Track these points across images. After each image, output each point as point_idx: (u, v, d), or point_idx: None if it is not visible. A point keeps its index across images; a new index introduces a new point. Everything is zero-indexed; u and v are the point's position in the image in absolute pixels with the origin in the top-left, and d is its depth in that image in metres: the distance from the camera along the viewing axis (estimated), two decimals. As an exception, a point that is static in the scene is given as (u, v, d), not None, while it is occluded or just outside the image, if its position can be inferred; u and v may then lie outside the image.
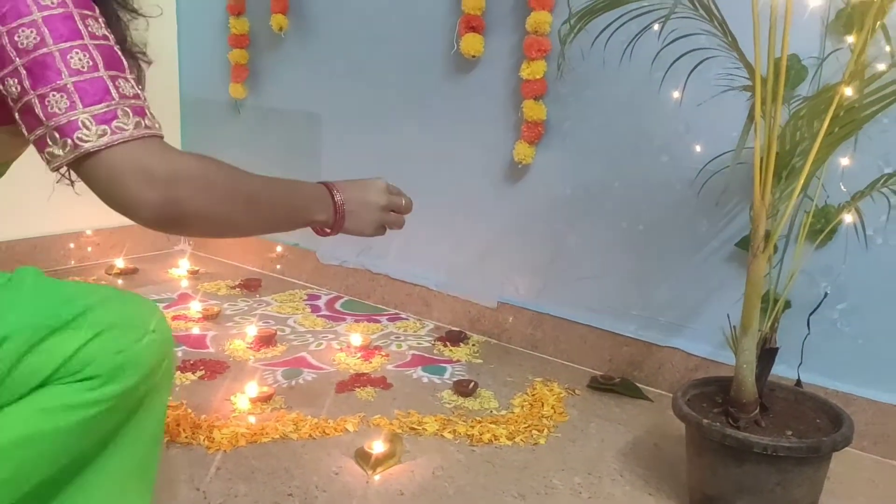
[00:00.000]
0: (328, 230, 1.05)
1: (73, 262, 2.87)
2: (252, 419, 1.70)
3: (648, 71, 1.63)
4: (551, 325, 2.19)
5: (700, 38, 1.43)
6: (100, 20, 0.81)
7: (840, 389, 1.71)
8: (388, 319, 2.47)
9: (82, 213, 2.70)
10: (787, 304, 1.72)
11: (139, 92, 0.81)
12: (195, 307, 2.40)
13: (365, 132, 2.56)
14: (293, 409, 1.77)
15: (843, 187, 1.61)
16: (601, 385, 1.97)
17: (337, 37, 2.57)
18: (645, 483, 1.52)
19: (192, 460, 1.51)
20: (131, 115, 0.78)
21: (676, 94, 1.67)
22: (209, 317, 2.36)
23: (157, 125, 0.81)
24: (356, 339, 2.20)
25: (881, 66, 1.41)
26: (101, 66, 0.78)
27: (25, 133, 0.79)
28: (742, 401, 1.37)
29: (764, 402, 1.41)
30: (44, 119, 0.76)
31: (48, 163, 0.78)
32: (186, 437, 1.58)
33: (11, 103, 0.78)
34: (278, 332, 2.26)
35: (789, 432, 1.35)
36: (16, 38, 0.75)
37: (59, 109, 0.76)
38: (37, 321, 0.80)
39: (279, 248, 2.88)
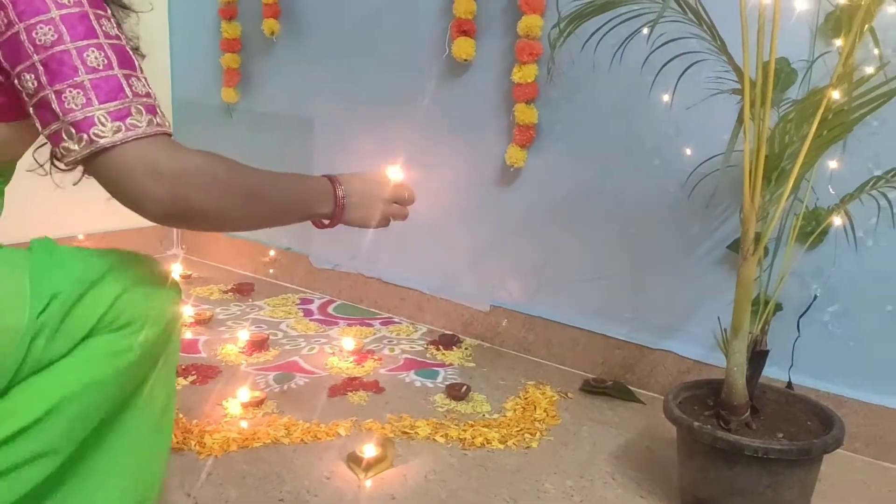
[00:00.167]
0: (326, 222, 1.06)
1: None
2: (244, 424, 1.69)
3: (639, 74, 1.64)
4: (544, 329, 2.19)
5: (690, 41, 1.44)
6: (112, 20, 0.84)
7: (831, 391, 1.71)
8: (381, 323, 2.46)
9: (75, 217, 2.70)
10: (779, 307, 1.72)
11: (150, 90, 0.84)
12: (187, 312, 2.39)
13: (357, 136, 2.56)
14: (285, 413, 1.76)
15: (831, 190, 1.61)
16: (593, 388, 1.97)
17: (329, 41, 2.57)
18: (637, 486, 1.52)
19: (183, 466, 1.50)
20: (144, 112, 0.81)
21: (667, 98, 1.68)
22: (201, 321, 2.35)
23: (167, 123, 0.84)
24: (349, 343, 2.20)
25: (869, 70, 1.41)
26: (115, 64, 0.80)
27: (39, 127, 0.80)
28: (733, 403, 1.37)
29: (755, 404, 1.41)
30: (60, 114, 0.78)
31: (62, 157, 0.80)
32: (177, 443, 1.58)
33: (26, 97, 0.80)
34: (271, 337, 2.25)
35: (780, 434, 1.35)
36: (34, 35, 0.77)
37: (76, 105, 0.78)
38: (78, 277, 0.86)
39: (272, 253, 2.88)
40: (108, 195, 0.83)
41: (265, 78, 2.80)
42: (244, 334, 2.22)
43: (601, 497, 1.48)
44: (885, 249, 1.62)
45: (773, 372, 1.69)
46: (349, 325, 2.43)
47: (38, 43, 0.77)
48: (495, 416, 1.81)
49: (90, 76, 0.78)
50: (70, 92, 0.78)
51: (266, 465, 1.53)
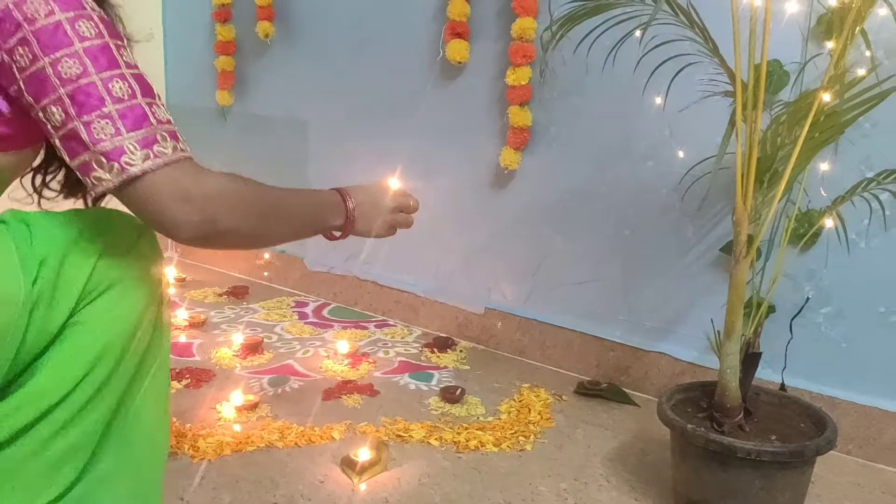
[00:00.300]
0: (338, 234, 1.10)
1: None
2: (237, 428, 1.69)
3: (632, 77, 1.63)
4: (538, 331, 2.19)
5: (683, 43, 1.44)
6: (128, 48, 0.86)
7: (825, 393, 1.72)
8: (376, 326, 2.46)
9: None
10: (772, 309, 1.73)
11: (170, 117, 0.86)
12: (182, 315, 2.39)
13: (351, 138, 2.56)
14: (279, 417, 1.76)
15: (823, 192, 1.62)
16: (588, 390, 1.97)
17: (323, 43, 2.57)
18: (631, 488, 1.52)
19: (176, 470, 1.49)
20: (168, 139, 0.83)
21: (659, 100, 1.68)
22: (196, 325, 2.35)
23: (187, 147, 0.86)
24: (343, 346, 2.19)
25: (861, 72, 1.42)
26: (138, 93, 0.83)
27: (67, 158, 0.82)
28: (726, 406, 1.37)
29: (748, 406, 1.41)
30: (90, 145, 0.80)
31: (93, 187, 0.82)
32: (171, 447, 1.57)
33: (52, 130, 0.81)
34: (265, 340, 2.25)
35: (773, 437, 1.35)
36: (59, 68, 0.79)
37: (105, 135, 0.80)
38: (58, 239, 0.85)
39: (266, 255, 2.87)
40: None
41: (260, 80, 2.80)
42: (238, 337, 2.22)
43: (595, 500, 1.48)
44: (877, 251, 1.63)
45: (767, 374, 1.70)
46: (344, 327, 2.43)
47: (63, 76, 0.79)
48: (490, 418, 1.81)
49: (116, 106, 0.81)
50: (98, 122, 0.80)
51: (260, 468, 1.53)
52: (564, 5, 1.42)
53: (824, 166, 1.61)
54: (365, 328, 2.43)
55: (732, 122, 1.37)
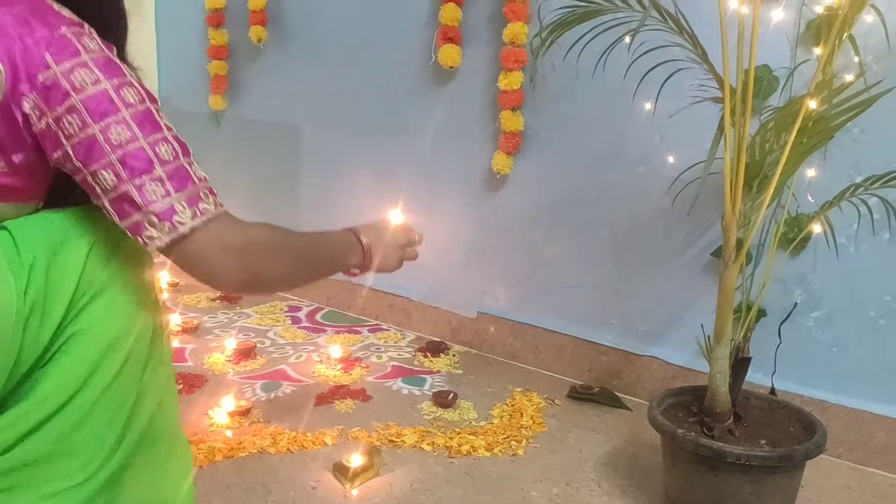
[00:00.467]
0: (356, 271, 1.17)
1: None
2: (229, 433, 1.69)
3: (623, 82, 1.64)
4: (531, 335, 2.19)
5: (673, 49, 1.45)
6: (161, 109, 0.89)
7: (815, 396, 1.72)
8: (369, 330, 2.46)
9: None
10: (763, 313, 1.73)
11: (205, 174, 0.90)
12: (174, 320, 2.38)
13: (344, 143, 2.56)
14: (271, 422, 1.76)
15: (810, 198, 1.63)
16: (580, 394, 1.98)
17: (316, 48, 2.58)
18: (622, 493, 1.53)
19: (167, 476, 1.49)
20: (209, 196, 0.88)
21: (649, 106, 1.68)
22: (188, 330, 2.35)
23: (222, 201, 0.91)
24: (336, 350, 2.19)
25: (850, 77, 1.42)
26: (180, 154, 0.87)
27: (117, 219, 0.85)
28: (716, 410, 1.37)
29: (738, 411, 1.41)
30: (142, 206, 0.83)
31: (146, 246, 0.86)
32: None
33: (101, 192, 0.84)
34: (258, 345, 2.25)
35: (763, 441, 1.36)
36: (109, 135, 0.82)
37: (157, 197, 0.84)
38: (44, 241, 0.85)
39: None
40: None
41: (253, 85, 2.80)
42: (231, 342, 2.22)
43: (586, 504, 1.48)
44: (867, 255, 1.63)
45: (758, 378, 1.70)
46: (337, 332, 2.43)
47: (114, 142, 0.82)
48: (482, 423, 1.81)
49: (164, 168, 0.84)
50: (149, 185, 0.83)
51: (251, 475, 1.53)
52: (554, 11, 1.43)
53: (812, 172, 1.62)
54: (358, 333, 2.43)
55: (721, 128, 1.37)
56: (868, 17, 1.44)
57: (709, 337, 1.40)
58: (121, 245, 0.91)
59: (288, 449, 1.63)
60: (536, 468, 1.61)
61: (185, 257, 0.87)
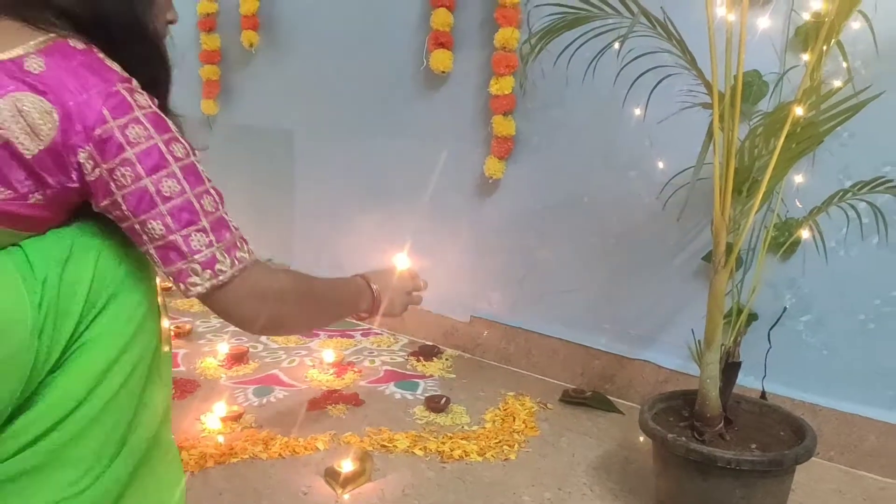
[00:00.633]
0: (365, 315, 1.26)
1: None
2: (221, 439, 1.68)
3: (613, 88, 1.64)
4: (524, 339, 2.19)
5: (663, 55, 1.45)
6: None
7: (806, 400, 1.73)
8: (362, 335, 2.46)
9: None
10: (755, 317, 1.74)
11: (236, 223, 0.96)
12: (165, 325, 2.37)
13: (337, 148, 2.57)
14: (264, 427, 1.76)
15: (798, 203, 1.63)
16: (573, 399, 1.98)
17: (307, 53, 2.58)
18: (614, 497, 1.53)
19: (159, 483, 1.49)
20: (244, 245, 0.95)
21: (638, 112, 1.69)
22: (181, 334, 2.34)
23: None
24: (329, 355, 2.19)
25: (838, 83, 1.43)
26: (220, 205, 0.93)
27: (161, 265, 0.91)
28: (707, 415, 1.38)
29: (729, 415, 1.42)
30: (188, 255, 0.89)
31: (186, 291, 0.91)
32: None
33: (148, 240, 0.89)
34: (250, 350, 2.25)
35: (753, 445, 1.36)
36: (161, 188, 0.87)
37: (201, 246, 0.90)
38: (54, 256, 0.88)
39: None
40: None
41: (245, 89, 2.80)
42: (224, 347, 2.21)
43: (578, 509, 1.49)
44: (856, 259, 1.64)
45: (749, 381, 1.71)
46: (330, 336, 2.43)
47: (164, 194, 0.88)
48: (474, 427, 1.81)
49: (208, 219, 0.90)
50: (196, 235, 0.89)
51: (243, 480, 1.53)
52: (543, 18, 1.43)
53: (800, 178, 1.62)
54: (351, 337, 2.43)
55: (710, 133, 1.38)
56: (854, 24, 1.45)
57: (699, 342, 1.40)
58: (126, 257, 0.93)
59: (280, 454, 1.63)
60: (528, 473, 1.61)
61: (220, 303, 0.94)
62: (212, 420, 1.75)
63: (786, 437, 1.40)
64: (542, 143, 2.09)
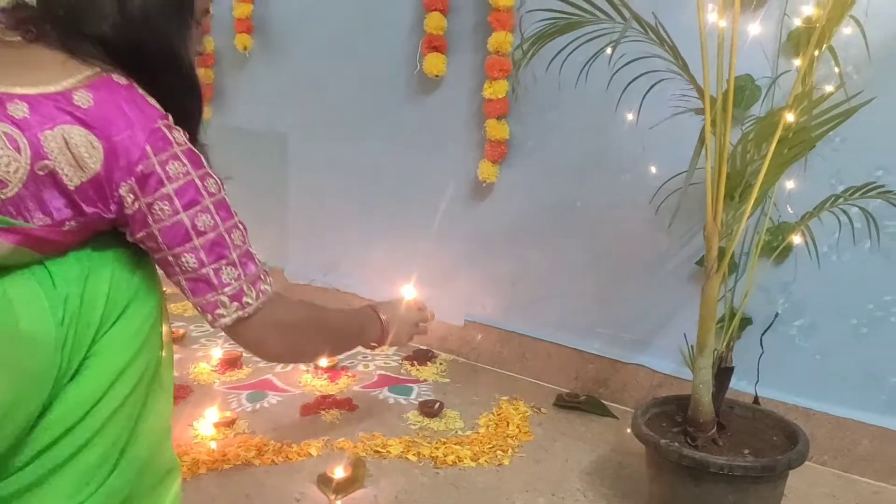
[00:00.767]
0: (374, 345, 1.33)
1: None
2: (213, 445, 1.68)
3: (605, 93, 1.64)
4: (518, 343, 2.19)
5: (656, 60, 1.45)
6: None
7: (800, 404, 1.73)
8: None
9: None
10: (749, 321, 1.74)
11: (259, 255, 1.00)
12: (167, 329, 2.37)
13: (330, 151, 2.56)
14: (257, 433, 1.75)
15: (790, 209, 1.63)
16: (567, 403, 1.98)
17: (301, 56, 2.57)
18: (607, 502, 1.53)
19: (151, 490, 1.48)
20: (266, 278, 0.98)
21: (631, 117, 1.69)
22: (175, 339, 2.34)
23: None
24: (322, 359, 2.19)
25: (829, 88, 1.43)
26: (246, 239, 0.96)
27: (190, 295, 0.94)
28: (699, 420, 1.38)
29: (721, 420, 1.42)
30: (218, 288, 0.93)
31: (213, 322, 0.95)
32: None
33: (180, 271, 0.93)
34: (244, 354, 2.24)
35: (746, 451, 1.36)
36: (196, 222, 0.91)
37: (231, 279, 0.93)
38: (74, 276, 0.89)
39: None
40: None
41: (238, 93, 2.80)
42: (217, 352, 2.21)
43: (571, 515, 1.48)
44: (849, 264, 1.64)
45: (743, 385, 1.70)
46: (324, 341, 2.42)
47: (199, 229, 0.91)
48: (468, 432, 1.81)
49: (236, 252, 0.94)
50: (226, 269, 0.93)
51: (236, 487, 1.52)
52: (535, 24, 1.43)
53: (791, 184, 1.62)
54: (345, 341, 2.42)
55: (702, 139, 1.38)
56: (846, 30, 1.45)
57: (692, 347, 1.40)
58: (137, 271, 0.95)
59: (273, 461, 1.63)
60: (522, 478, 1.61)
61: (243, 334, 0.98)
62: (205, 426, 1.74)
63: (779, 442, 1.40)
64: (536, 147, 2.09)
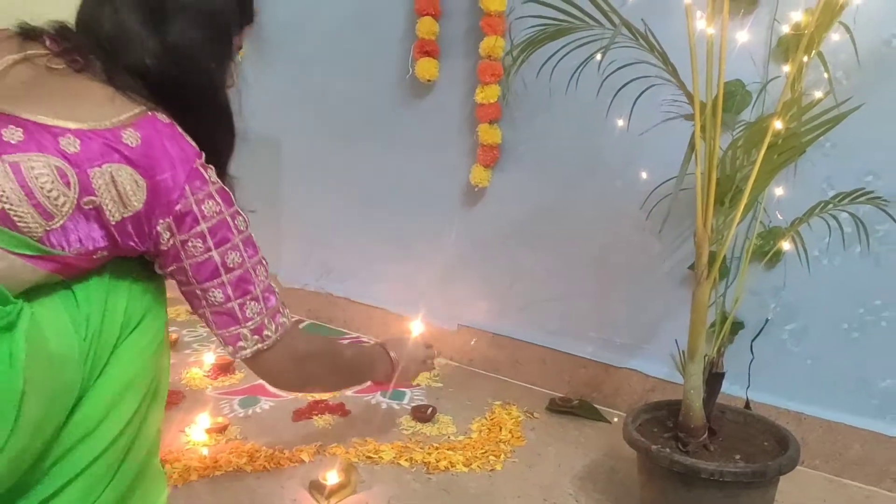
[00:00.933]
0: (383, 381, 1.40)
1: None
2: (205, 451, 1.67)
3: (596, 99, 1.65)
4: (511, 348, 2.19)
5: (646, 66, 1.45)
6: None
7: (791, 408, 1.73)
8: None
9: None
10: (741, 326, 1.74)
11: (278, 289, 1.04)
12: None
13: (323, 156, 2.56)
14: (249, 439, 1.75)
15: (779, 215, 1.64)
16: (560, 407, 1.98)
17: (294, 61, 2.57)
18: (599, 508, 1.53)
19: (141, 497, 1.48)
20: (284, 310, 1.03)
21: (622, 123, 1.69)
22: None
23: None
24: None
25: (819, 93, 1.44)
26: (267, 273, 1.01)
27: (214, 327, 1.00)
28: (690, 426, 1.38)
29: (713, 425, 1.42)
30: (242, 321, 0.98)
31: (234, 353, 1.00)
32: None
33: (206, 304, 0.97)
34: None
35: (737, 456, 1.36)
36: (226, 259, 0.96)
37: (255, 314, 0.98)
38: (95, 297, 0.92)
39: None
40: None
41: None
42: (210, 357, 2.20)
43: (563, 520, 1.48)
44: (840, 269, 1.65)
45: (734, 390, 1.70)
46: (317, 345, 2.41)
47: (228, 265, 0.96)
48: (461, 437, 1.81)
49: (260, 287, 0.99)
50: (250, 304, 0.98)
51: (228, 493, 1.52)
52: (525, 30, 1.43)
53: (783, 188, 1.63)
54: (338, 346, 2.42)
55: (692, 144, 1.38)
56: (835, 36, 1.46)
57: (683, 352, 1.41)
58: (148, 290, 0.98)
59: (265, 467, 1.62)
60: (514, 483, 1.61)
61: (261, 364, 1.03)
62: (196, 432, 1.74)
63: (770, 447, 1.41)
64: (528, 152, 2.09)
